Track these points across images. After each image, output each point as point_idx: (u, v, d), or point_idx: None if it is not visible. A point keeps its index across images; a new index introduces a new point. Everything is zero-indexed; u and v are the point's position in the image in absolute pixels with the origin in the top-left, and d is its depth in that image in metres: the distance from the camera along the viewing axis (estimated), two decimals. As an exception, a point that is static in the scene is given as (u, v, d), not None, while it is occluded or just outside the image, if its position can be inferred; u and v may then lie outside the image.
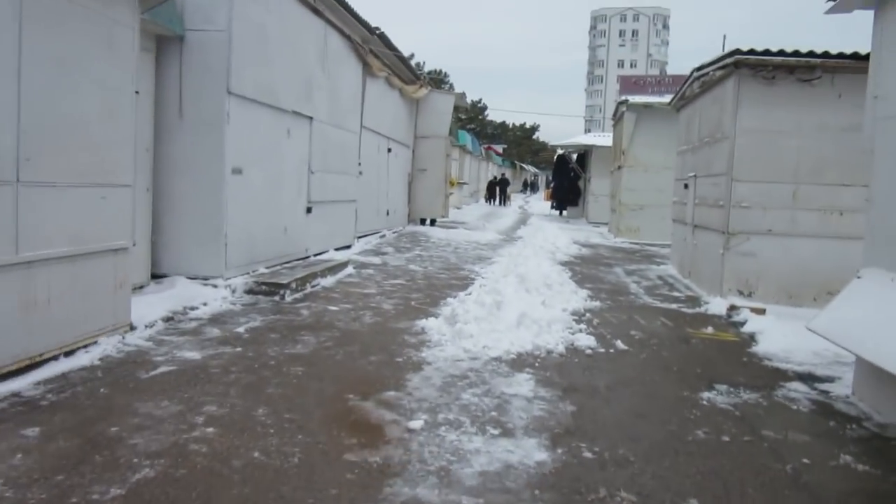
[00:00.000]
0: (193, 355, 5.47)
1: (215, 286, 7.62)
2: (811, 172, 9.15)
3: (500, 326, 6.41)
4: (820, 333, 5.42)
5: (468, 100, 66.66)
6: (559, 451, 4.01)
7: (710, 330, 7.72)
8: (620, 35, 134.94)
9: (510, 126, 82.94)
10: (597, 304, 8.89)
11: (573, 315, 7.87)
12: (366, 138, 13.70)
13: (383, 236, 15.29)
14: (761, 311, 8.84)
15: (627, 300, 9.53)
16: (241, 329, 6.43)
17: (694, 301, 9.70)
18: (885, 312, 4.88)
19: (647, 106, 18.65)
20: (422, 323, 7.03)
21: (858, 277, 5.40)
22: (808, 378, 5.99)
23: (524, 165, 76.35)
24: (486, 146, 57.13)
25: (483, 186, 37.42)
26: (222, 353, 5.59)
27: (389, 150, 15.87)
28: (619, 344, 6.67)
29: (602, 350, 6.48)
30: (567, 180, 29.59)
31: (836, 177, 9.09)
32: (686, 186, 12.10)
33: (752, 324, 8.09)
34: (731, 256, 9.39)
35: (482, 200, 35.43)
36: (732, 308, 8.99)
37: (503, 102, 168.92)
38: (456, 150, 29.94)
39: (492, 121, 74.06)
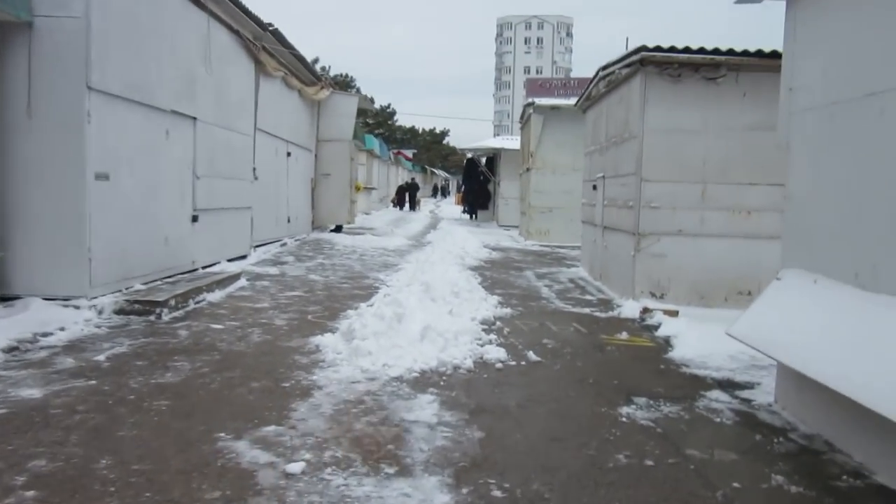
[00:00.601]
0: (32, 393, 4.59)
1: (77, 307, 6.67)
2: (718, 172, 9.01)
3: (403, 341, 5.80)
4: (740, 339, 5.09)
5: (376, 105, 65.95)
6: (464, 490, 3.43)
7: (624, 336, 7.37)
8: (526, 42, 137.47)
9: (420, 131, 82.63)
10: (507, 311, 8.42)
11: (482, 324, 7.36)
12: (261, 141, 12.83)
13: (284, 245, 14.42)
14: (674, 314, 8.61)
15: (539, 305, 9.12)
16: (101, 357, 5.55)
17: (606, 304, 9.39)
18: (808, 316, 4.57)
19: (553, 108, 18.52)
20: (316, 340, 6.34)
21: (778, 279, 5.11)
22: (728, 385, 5.68)
23: (435, 170, 76.19)
24: (395, 151, 56.58)
25: (393, 191, 36.73)
26: (71, 389, 4.73)
27: (289, 153, 15.02)
28: (532, 355, 6.18)
29: (513, 363, 5.97)
30: (477, 184, 29.36)
31: (743, 176, 8.98)
32: (595, 188, 11.88)
33: (666, 327, 7.82)
34: (643, 258, 9.14)
35: (391, 206, 34.70)
36: (645, 311, 8.72)
37: (413, 109, 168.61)
38: (363, 155, 29.19)
39: (401, 126, 73.49)
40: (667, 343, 7.15)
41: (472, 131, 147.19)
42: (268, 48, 12.63)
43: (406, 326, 5.99)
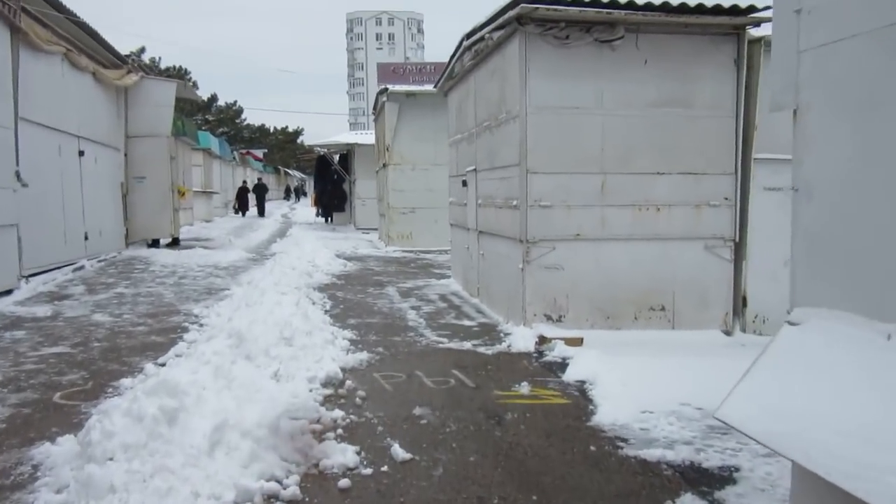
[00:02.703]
0: None
1: None
2: (620, 159, 7.18)
3: (177, 458, 3.37)
4: (737, 427, 3.09)
5: (220, 102, 61.27)
6: None
7: (525, 388, 5.30)
8: (377, 38, 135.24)
9: (272, 130, 78.31)
10: (363, 356, 6.14)
11: (325, 388, 5.05)
12: (32, 136, 9.73)
13: (80, 269, 11.31)
14: (578, 342, 6.72)
15: (406, 341, 6.91)
16: None
17: (492, 332, 7.34)
18: (855, 393, 2.63)
19: (410, 94, 16.39)
20: (39, 454, 3.78)
21: (792, 324, 3.15)
22: (700, 480, 3.71)
23: (289, 171, 72.35)
24: (243, 151, 52.58)
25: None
26: None
27: (82, 152, 11.86)
28: (397, 450, 3.93)
29: (369, 470, 3.70)
30: (331, 184, 26.76)
31: (649, 163, 7.22)
32: (465, 184, 9.83)
33: (576, 366, 5.89)
34: (534, 272, 7.15)
35: (233, 212, 31.06)
36: (542, 340, 6.75)
37: (264, 107, 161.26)
38: (198, 155, 25.77)
39: (250, 125, 69.03)
40: (583, 396, 5.16)
41: (327, 129, 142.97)
42: (34, 12, 9.56)
43: (185, 427, 3.55)
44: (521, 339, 6.85)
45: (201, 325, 7.29)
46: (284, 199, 56.14)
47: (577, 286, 7.19)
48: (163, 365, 5.66)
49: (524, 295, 7.18)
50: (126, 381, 5.20)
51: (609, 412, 4.75)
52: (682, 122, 7.22)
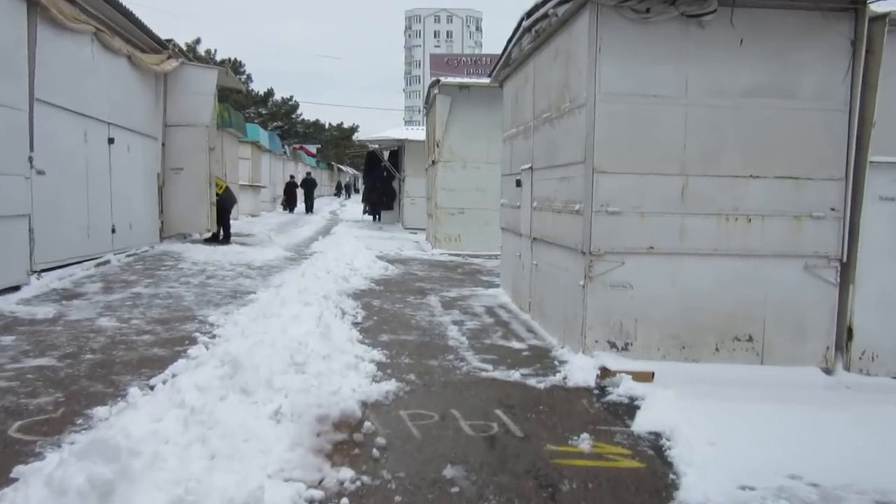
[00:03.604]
0: None
1: None
2: (705, 158, 6.02)
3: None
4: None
5: (276, 96, 61.38)
6: None
7: (587, 444, 4.21)
8: (435, 36, 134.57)
9: (327, 126, 78.31)
10: (390, 385, 5.14)
11: (335, 432, 4.06)
12: (53, 120, 9.04)
13: (105, 264, 10.62)
14: (648, 377, 5.62)
15: (443, 367, 5.88)
16: None
17: (544, 358, 6.27)
18: None
19: (463, 87, 15.35)
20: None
21: None
22: None
23: (341, 167, 72.16)
24: (296, 146, 52.37)
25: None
26: None
27: (112, 139, 11.18)
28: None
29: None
30: (380, 181, 25.93)
31: (740, 164, 6.03)
32: (519, 184, 8.76)
33: (647, 410, 4.84)
34: (597, 290, 6.04)
35: (282, 208, 30.38)
36: (605, 373, 5.66)
37: (321, 104, 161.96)
38: (247, 148, 25.24)
39: (304, 120, 69.01)
40: (661, 457, 4.06)
41: (382, 127, 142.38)
42: (59, -12, 8.85)
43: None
44: (579, 370, 5.75)
45: (213, 337, 6.41)
46: (335, 195, 55.70)
47: (649, 309, 6.05)
48: (152, 388, 4.78)
49: (585, 317, 6.07)
50: (101, 411, 4.31)
51: (697, 486, 3.64)
52: (783, 115, 6.00)
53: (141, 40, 12.46)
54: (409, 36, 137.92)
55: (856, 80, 5.97)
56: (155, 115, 13.42)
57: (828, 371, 6.21)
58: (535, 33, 7.60)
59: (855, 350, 6.27)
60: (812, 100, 5.99)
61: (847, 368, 6.29)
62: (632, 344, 6.08)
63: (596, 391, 5.39)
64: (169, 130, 13.91)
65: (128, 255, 11.68)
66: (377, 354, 6.02)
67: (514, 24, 8.24)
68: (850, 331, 6.26)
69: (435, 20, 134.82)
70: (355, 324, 7.29)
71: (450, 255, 15.03)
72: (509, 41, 8.80)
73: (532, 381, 5.55)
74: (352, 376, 5.12)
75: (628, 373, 5.59)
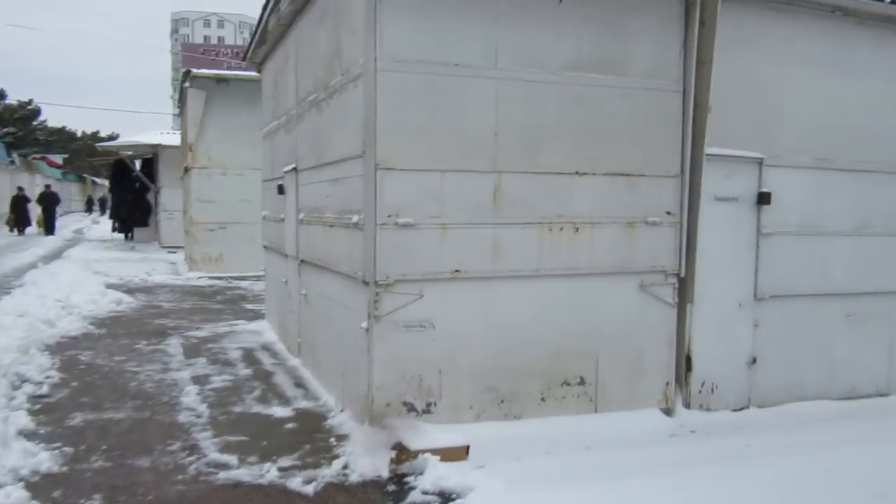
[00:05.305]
0: None
1: None
2: (522, 150, 4.56)
3: None
4: None
5: (8, 99, 53.18)
6: None
7: None
8: (205, 41, 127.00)
9: (79, 135, 69.75)
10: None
11: None
12: None
13: None
14: (462, 454, 4.06)
15: (158, 470, 3.81)
16: None
17: (315, 433, 4.44)
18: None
19: (221, 80, 13.00)
20: None
21: None
22: None
23: (96, 179, 64.48)
24: (38, 156, 45.60)
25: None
26: None
27: None
28: None
29: None
30: (131, 193, 22.35)
31: (564, 158, 4.66)
32: (282, 190, 6.83)
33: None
34: (387, 334, 4.31)
35: (9, 228, 25.06)
36: (403, 455, 3.97)
37: (72, 110, 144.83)
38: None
39: (47, 127, 60.80)
40: None
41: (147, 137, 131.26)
42: None
43: None
44: (365, 452, 4.01)
45: None
46: (85, 211, 48.97)
47: (456, 354, 4.45)
48: None
49: (371, 371, 4.31)
50: None
51: None
52: (613, 95, 4.73)
53: None
54: (177, 40, 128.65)
55: (689, 56, 4.86)
56: None
57: (668, 412, 5.06)
58: (293, -10, 5.76)
59: (694, 382, 5.20)
60: (644, 77, 4.79)
61: (687, 405, 5.20)
62: (436, 404, 4.44)
63: (392, 487, 3.67)
64: None
65: None
66: (46, 460, 3.78)
67: None
68: (688, 360, 5.16)
69: (205, 24, 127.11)
70: (34, 399, 4.90)
71: (210, 278, 12.60)
72: (265, 7, 6.85)
73: (296, 482, 3.67)
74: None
75: (435, 451, 3.95)
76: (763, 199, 5.21)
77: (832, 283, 5.51)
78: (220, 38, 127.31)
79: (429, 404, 4.42)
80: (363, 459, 3.92)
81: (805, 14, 5.31)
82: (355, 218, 4.42)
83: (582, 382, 4.80)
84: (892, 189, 5.72)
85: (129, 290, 10.65)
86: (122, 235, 23.24)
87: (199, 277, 12.65)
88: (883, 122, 5.66)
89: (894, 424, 5.08)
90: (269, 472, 3.77)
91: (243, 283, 12.02)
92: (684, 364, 5.16)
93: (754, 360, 5.31)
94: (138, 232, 22.26)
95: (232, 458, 3.98)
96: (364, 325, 4.31)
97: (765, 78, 5.21)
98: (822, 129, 5.43)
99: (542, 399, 4.70)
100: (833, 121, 5.46)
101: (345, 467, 3.87)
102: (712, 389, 5.26)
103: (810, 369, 5.50)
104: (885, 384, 5.76)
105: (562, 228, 4.65)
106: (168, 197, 19.34)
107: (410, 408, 4.37)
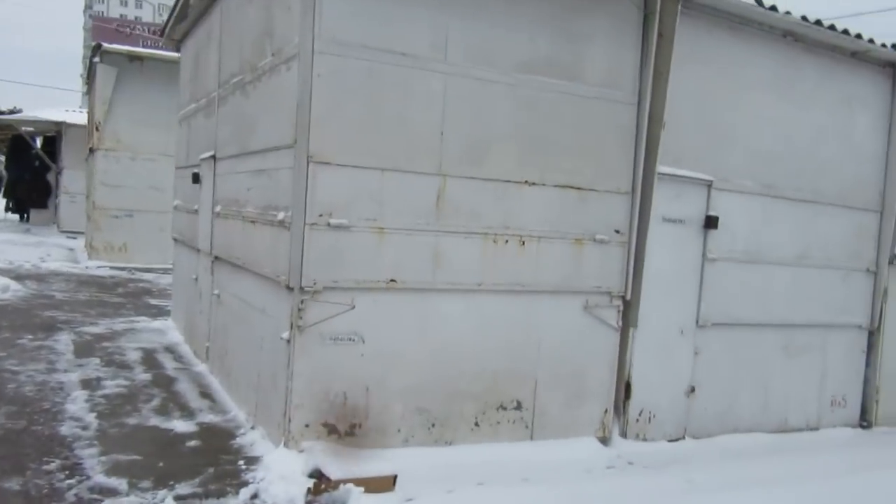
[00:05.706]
0: None
1: None
2: (468, 153, 4.19)
3: None
4: None
5: None
6: None
7: None
8: (122, 18, 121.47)
9: (-26, 108, 65.24)
10: None
11: None
12: None
13: None
14: (388, 485, 3.63)
15: (29, 496, 3.21)
16: None
17: (222, 454, 3.91)
18: None
19: (135, 57, 12.08)
20: None
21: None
22: None
23: (-7, 156, 60.33)
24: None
25: None
26: None
27: None
28: None
29: None
30: (30, 172, 20.78)
31: (514, 165, 4.33)
32: (197, 179, 6.22)
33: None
34: (311, 346, 3.85)
35: None
36: (321, 484, 3.51)
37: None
38: None
39: (-62, 97, 56.44)
40: None
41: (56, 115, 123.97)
42: None
43: None
44: (279, 479, 3.53)
45: None
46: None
47: (387, 372, 4.03)
48: None
49: (290, 388, 3.84)
50: None
51: None
52: (567, 103, 4.44)
53: None
54: (90, 17, 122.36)
55: (646, 66, 4.63)
56: None
57: (604, 440, 4.80)
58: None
59: (632, 410, 4.96)
60: (599, 86, 4.52)
61: (624, 434, 4.96)
62: (361, 426, 4.00)
63: (307, 523, 3.19)
64: None
65: None
66: None
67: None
68: (628, 387, 4.92)
69: (121, 3, 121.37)
70: None
71: (111, 268, 11.66)
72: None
73: (197, 518, 3.16)
74: None
75: (359, 481, 3.52)
76: (710, 222, 5.05)
77: (771, 312, 5.41)
78: (136, 18, 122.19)
79: (353, 426, 3.97)
80: (276, 488, 3.45)
81: (758, 37, 5.20)
82: (281, 215, 3.93)
83: (518, 407, 4.47)
84: (830, 220, 5.68)
85: (18, 277, 9.67)
86: (16, 216, 21.61)
87: (100, 267, 11.69)
88: (826, 153, 5.61)
89: (825, 460, 5.01)
90: (165, 502, 3.24)
91: (148, 276, 11.18)
92: (623, 391, 4.93)
93: (693, 390, 5.13)
94: (35, 214, 20.71)
95: (121, 483, 3.42)
96: (285, 335, 3.83)
97: (717, 97, 5.06)
98: (768, 155, 5.32)
99: (476, 424, 4.33)
100: (779, 147, 5.37)
101: (254, 497, 3.39)
102: (650, 418, 5.04)
103: (746, 400, 5.37)
104: (815, 418, 5.71)
105: (507, 241, 4.31)
106: (70, 178, 17.99)
107: (332, 430, 3.92)
